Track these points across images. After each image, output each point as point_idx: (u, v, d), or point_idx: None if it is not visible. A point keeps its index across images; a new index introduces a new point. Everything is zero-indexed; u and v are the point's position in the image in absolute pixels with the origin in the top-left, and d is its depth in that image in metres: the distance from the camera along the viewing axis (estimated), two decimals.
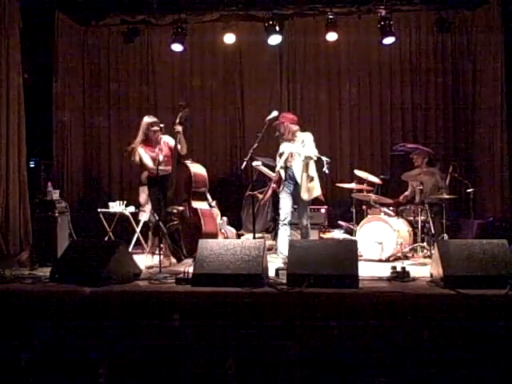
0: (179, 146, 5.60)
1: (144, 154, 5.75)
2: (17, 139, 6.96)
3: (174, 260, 5.75)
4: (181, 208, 5.50)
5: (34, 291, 4.27)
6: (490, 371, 3.65)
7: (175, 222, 5.45)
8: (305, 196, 5.75)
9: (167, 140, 5.82)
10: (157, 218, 5.49)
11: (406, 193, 7.09)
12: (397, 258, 6.06)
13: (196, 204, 5.66)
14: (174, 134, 5.62)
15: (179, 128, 5.58)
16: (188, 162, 5.79)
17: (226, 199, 7.58)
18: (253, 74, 8.76)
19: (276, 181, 5.83)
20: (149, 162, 5.73)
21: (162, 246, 5.38)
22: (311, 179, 5.77)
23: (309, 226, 5.94)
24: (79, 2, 8.10)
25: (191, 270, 4.37)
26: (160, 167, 5.49)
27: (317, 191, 5.83)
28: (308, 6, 8.26)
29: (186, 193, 5.66)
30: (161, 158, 5.58)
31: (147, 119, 5.84)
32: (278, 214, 6.46)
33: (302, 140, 5.83)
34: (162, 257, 5.22)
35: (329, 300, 3.93)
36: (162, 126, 5.74)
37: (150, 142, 5.80)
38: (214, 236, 5.54)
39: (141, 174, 6.53)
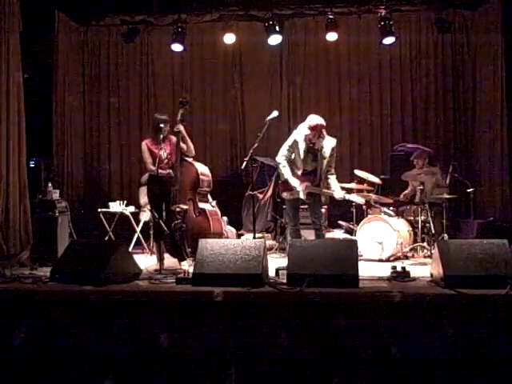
0: (185, 147, 5.52)
1: (145, 151, 5.56)
2: (17, 139, 6.94)
3: (174, 259, 5.72)
4: (185, 207, 5.39)
5: (34, 291, 4.26)
6: (489, 371, 3.65)
7: (179, 221, 5.38)
8: None
9: (173, 139, 5.58)
10: (157, 217, 5.35)
11: (406, 191, 7.08)
12: (397, 258, 6.06)
13: (202, 204, 5.58)
14: (175, 134, 5.49)
15: (180, 128, 5.48)
16: (193, 161, 5.67)
17: (226, 199, 7.57)
18: (253, 74, 8.75)
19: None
20: (148, 159, 5.51)
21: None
22: None
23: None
24: (79, 2, 8.11)
25: (191, 269, 4.38)
26: (160, 169, 5.38)
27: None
28: (308, 5, 8.26)
29: (192, 192, 5.53)
30: (163, 155, 5.45)
31: (156, 115, 5.67)
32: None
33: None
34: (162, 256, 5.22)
35: (329, 300, 3.93)
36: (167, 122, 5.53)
37: (156, 139, 5.56)
38: (220, 236, 5.52)
39: (143, 173, 6.47)
